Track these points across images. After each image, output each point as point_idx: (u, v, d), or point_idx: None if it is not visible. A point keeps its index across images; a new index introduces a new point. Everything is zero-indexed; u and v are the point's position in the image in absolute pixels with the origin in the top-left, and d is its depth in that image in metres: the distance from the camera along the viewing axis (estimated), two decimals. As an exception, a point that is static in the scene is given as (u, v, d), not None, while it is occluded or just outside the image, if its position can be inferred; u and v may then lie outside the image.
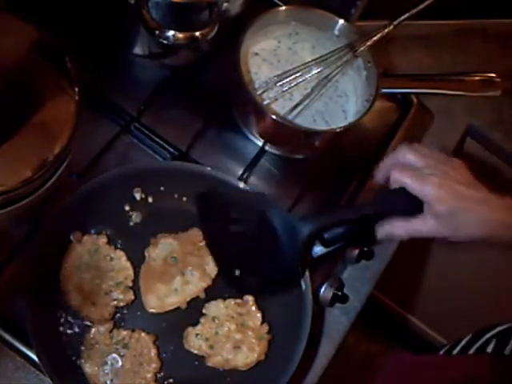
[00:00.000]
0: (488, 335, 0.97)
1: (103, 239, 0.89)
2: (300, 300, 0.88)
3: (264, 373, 0.87)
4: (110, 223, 0.90)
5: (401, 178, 0.80)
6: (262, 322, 0.89)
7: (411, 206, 0.82)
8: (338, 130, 0.96)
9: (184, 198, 0.94)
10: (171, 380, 0.86)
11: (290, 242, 0.84)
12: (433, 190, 0.78)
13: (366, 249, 0.97)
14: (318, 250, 0.91)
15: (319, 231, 0.85)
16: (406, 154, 0.82)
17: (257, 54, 1.01)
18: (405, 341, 1.89)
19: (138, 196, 0.92)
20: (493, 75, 1.03)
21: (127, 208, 0.92)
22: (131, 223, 0.92)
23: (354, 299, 0.98)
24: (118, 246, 0.90)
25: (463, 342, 0.99)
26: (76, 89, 0.79)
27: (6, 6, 0.79)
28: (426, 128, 1.12)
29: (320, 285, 0.95)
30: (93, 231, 0.89)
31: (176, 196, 0.93)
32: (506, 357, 0.91)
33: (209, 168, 0.93)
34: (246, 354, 0.87)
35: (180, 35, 0.85)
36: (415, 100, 1.10)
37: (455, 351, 0.99)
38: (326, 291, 0.94)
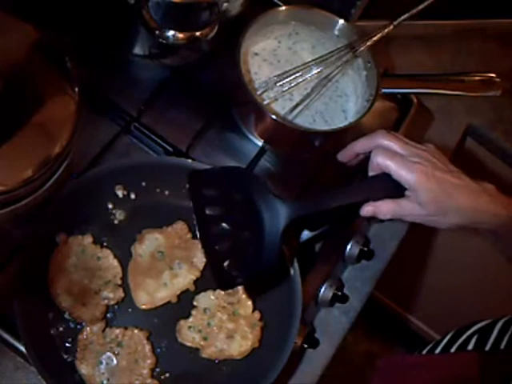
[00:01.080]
0: (468, 332, 0.98)
1: (89, 239, 0.89)
2: (289, 285, 0.88)
3: (259, 359, 0.87)
4: (95, 222, 0.90)
5: (386, 164, 0.81)
6: (253, 310, 0.89)
7: (393, 191, 0.82)
8: (338, 130, 0.96)
9: (166, 192, 0.94)
10: (167, 374, 0.86)
11: (272, 225, 0.82)
12: (419, 178, 0.79)
13: (365, 249, 0.97)
14: (304, 234, 0.90)
15: (302, 218, 0.83)
16: (386, 139, 0.82)
17: (257, 53, 1.01)
18: (405, 340, 1.89)
19: (120, 193, 0.92)
20: (493, 75, 1.03)
21: (110, 206, 0.92)
22: (115, 221, 0.92)
23: (354, 299, 0.99)
24: (104, 244, 0.90)
25: (445, 341, 1.00)
26: (76, 89, 0.79)
27: (6, 6, 0.79)
28: (426, 128, 1.12)
29: (320, 285, 0.95)
30: (78, 232, 0.89)
31: (158, 190, 0.93)
32: (486, 352, 0.91)
33: (189, 160, 0.93)
34: (240, 343, 0.87)
35: (180, 35, 0.86)
36: (415, 100, 1.10)
37: (437, 350, 0.99)
38: (325, 291, 0.94)
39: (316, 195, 0.85)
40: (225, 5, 0.90)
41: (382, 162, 0.81)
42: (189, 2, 0.89)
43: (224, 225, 0.85)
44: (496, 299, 1.47)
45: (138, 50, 1.00)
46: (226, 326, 0.88)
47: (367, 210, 0.83)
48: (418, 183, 0.79)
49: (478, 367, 0.86)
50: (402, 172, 0.80)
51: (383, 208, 0.82)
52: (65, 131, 0.77)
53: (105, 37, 0.98)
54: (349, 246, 0.97)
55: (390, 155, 0.81)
